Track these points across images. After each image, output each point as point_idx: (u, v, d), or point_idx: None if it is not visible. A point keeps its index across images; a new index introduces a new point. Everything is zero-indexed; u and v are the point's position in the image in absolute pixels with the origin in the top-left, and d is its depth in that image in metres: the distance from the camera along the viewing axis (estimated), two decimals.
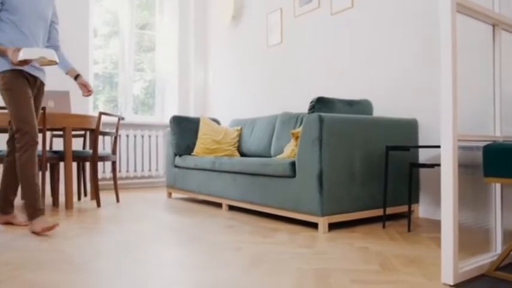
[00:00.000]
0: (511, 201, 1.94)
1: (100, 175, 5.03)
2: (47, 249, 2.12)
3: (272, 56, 4.56)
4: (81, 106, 4.90)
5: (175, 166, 4.14)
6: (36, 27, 2.65)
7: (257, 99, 4.78)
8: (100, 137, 5.02)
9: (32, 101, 2.60)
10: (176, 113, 5.65)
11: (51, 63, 2.56)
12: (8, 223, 2.78)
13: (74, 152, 3.62)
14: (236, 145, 4.25)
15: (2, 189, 2.77)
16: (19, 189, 4.05)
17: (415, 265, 1.82)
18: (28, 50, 2.39)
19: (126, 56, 5.43)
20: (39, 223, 2.46)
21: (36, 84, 2.74)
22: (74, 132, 4.44)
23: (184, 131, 4.15)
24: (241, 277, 1.67)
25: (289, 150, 3.23)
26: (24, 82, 2.58)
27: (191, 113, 5.71)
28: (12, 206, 2.81)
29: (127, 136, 5.19)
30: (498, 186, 1.87)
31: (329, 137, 2.53)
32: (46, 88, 4.69)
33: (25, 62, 2.44)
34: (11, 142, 2.76)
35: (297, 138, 3.14)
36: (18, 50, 2.42)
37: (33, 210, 2.50)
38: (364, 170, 2.71)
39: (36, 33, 2.66)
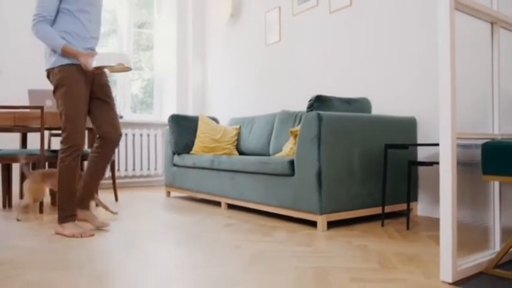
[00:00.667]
0: (510, 199, 1.94)
1: None
2: (44, 249, 2.12)
3: (271, 55, 4.55)
4: None
5: (174, 165, 4.14)
6: (91, 17, 2.50)
7: (256, 98, 4.78)
8: None
9: (86, 100, 2.46)
10: (175, 111, 5.64)
11: (124, 69, 2.42)
12: (85, 221, 2.60)
13: None
14: (235, 144, 4.24)
15: (85, 184, 2.57)
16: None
17: (414, 263, 1.82)
18: (104, 56, 2.26)
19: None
20: (70, 228, 2.40)
21: (93, 76, 2.53)
22: None
23: (183, 129, 4.15)
24: (240, 275, 1.66)
25: (288, 149, 3.23)
26: (81, 78, 2.42)
27: (190, 112, 5.71)
28: (90, 202, 2.64)
29: (125, 135, 5.18)
30: (496, 184, 1.87)
31: (328, 135, 2.53)
32: (44, 87, 4.69)
33: (98, 68, 2.34)
34: (97, 138, 2.59)
35: (295, 136, 3.14)
36: (92, 55, 2.32)
37: (66, 215, 2.42)
38: (363, 168, 2.71)
39: (92, 23, 2.51)
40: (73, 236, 2.38)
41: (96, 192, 2.57)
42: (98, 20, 2.56)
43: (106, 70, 2.45)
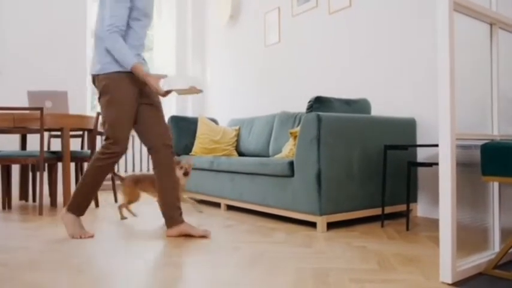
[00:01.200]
0: (509, 200, 1.94)
1: None
2: (45, 250, 2.12)
3: (270, 56, 4.56)
4: (79, 106, 4.89)
5: None
6: (143, 23, 2.39)
7: (255, 99, 4.78)
8: (98, 137, 5.01)
9: (132, 109, 2.35)
10: (174, 112, 5.64)
11: (195, 92, 2.32)
12: (186, 235, 2.41)
13: (72, 152, 3.61)
14: (234, 145, 4.24)
15: (164, 197, 2.41)
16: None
17: (414, 264, 1.82)
18: (177, 81, 2.13)
19: None
20: (74, 226, 2.38)
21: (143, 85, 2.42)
22: (71, 133, 4.43)
23: (183, 130, 4.15)
24: (239, 276, 1.66)
25: (287, 150, 3.23)
26: (128, 87, 2.32)
27: (189, 113, 5.71)
28: (181, 213, 2.43)
29: None
30: (496, 184, 1.87)
31: (327, 137, 2.53)
32: (43, 88, 4.69)
33: (168, 92, 2.25)
34: (148, 150, 2.49)
35: (295, 137, 3.14)
36: (161, 77, 2.24)
37: (80, 212, 2.39)
38: (363, 169, 2.72)
39: (143, 30, 2.41)
40: (80, 238, 2.38)
41: (178, 201, 2.43)
42: (148, 26, 2.45)
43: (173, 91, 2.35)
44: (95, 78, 2.36)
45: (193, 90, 2.32)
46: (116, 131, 2.32)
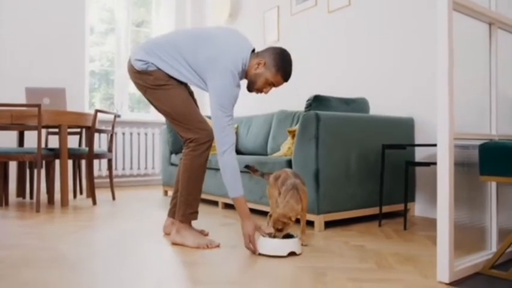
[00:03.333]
0: (507, 200, 1.94)
1: (96, 173, 5.01)
2: (42, 247, 2.11)
3: None
4: (77, 103, 4.88)
5: (172, 164, 4.13)
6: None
7: (253, 97, 4.78)
8: (96, 135, 5.00)
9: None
10: None
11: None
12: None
13: (69, 149, 3.60)
14: None
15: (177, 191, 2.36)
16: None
17: (411, 263, 1.82)
18: (276, 244, 1.93)
19: (123, 53, 5.40)
20: (193, 237, 2.13)
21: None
22: (69, 130, 4.42)
23: None
24: (237, 275, 1.66)
25: (285, 149, 3.23)
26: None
27: None
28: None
29: (123, 134, 5.17)
30: (494, 184, 1.87)
31: (325, 135, 2.53)
32: (41, 85, 4.67)
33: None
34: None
35: (293, 136, 3.14)
36: (258, 228, 2.00)
37: (192, 211, 2.16)
38: (361, 168, 2.72)
39: None
40: (198, 248, 2.10)
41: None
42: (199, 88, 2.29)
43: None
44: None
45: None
46: (190, 116, 2.20)
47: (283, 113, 3.74)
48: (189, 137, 2.16)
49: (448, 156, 1.55)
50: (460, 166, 1.70)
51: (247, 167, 2.54)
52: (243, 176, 3.10)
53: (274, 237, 1.98)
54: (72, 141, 4.87)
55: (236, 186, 2.03)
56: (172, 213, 2.43)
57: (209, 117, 4.43)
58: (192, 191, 2.15)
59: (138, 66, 2.20)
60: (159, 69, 2.17)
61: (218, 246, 2.13)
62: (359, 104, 2.97)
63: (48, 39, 4.74)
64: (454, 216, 1.59)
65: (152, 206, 3.53)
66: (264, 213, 3.14)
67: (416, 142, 3.08)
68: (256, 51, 2.25)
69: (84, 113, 3.63)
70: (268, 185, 2.35)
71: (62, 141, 3.44)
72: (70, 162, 4.80)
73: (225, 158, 2.02)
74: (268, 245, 1.95)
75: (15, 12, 4.58)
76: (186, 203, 2.15)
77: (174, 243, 2.17)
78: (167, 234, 2.41)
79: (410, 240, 2.27)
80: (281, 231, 1.97)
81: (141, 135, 5.29)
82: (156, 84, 2.20)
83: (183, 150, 2.20)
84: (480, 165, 1.67)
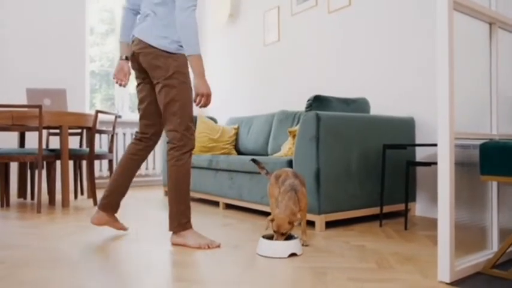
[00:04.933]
0: (507, 200, 1.94)
1: (97, 173, 5.01)
2: (42, 248, 2.11)
3: (269, 54, 4.55)
4: (78, 104, 4.89)
5: None
6: None
7: (254, 98, 4.78)
8: (97, 135, 5.01)
9: None
10: None
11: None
12: (106, 225, 2.35)
13: (70, 150, 3.60)
14: (233, 143, 4.24)
15: (117, 186, 2.29)
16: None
17: (412, 263, 1.82)
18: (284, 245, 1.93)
19: None
20: (194, 237, 2.13)
21: None
22: (70, 131, 4.42)
23: None
24: (238, 275, 1.66)
25: (286, 149, 3.23)
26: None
27: None
28: (118, 207, 2.35)
29: (124, 134, 5.17)
30: (494, 184, 1.87)
31: (326, 136, 2.53)
32: (42, 85, 4.68)
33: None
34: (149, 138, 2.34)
35: (294, 136, 3.14)
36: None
37: (187, 221, 2.14)
38: (361, 168, 2.71)
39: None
40: (199, 248, 2.10)
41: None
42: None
43: None
44: (147, 50, 2.08)
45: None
46: (192, 123, 2.16)
47: (284, 113, 3.74)
48: (179, 143, 2.14)
49: (448, 156, 1.55)
50: (461, 166, 1.70)
51: (253, 160, 2.52)
52: (244, 176, 3.10)
53: (276, 239, 1.98)
54: (73, 142, 4.87)
55: (198, 44, 2.01)
56: (104, 207, 2.30)
57: (210, 118, 4.43)
58: (183, 200, 2.13)
59: (164, 45, 2.06)
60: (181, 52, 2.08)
61: (219, 246, 2.12)
62: (359, 104, 2.97)
63: (48, 40, 4.74)
64: (454, 216, 1.59)
65: (153, 207, 3.53)
66: (264, 214, 3.14)
67: (417, 142, 3.08)
68: None
69: (85, 114, 3.64)
70: (269, 183, 2.35)
71: (63, 142, 3.45)
72: (71, 163, 4.80)
73: (190, 14, 1.99)
74: (269, 247, 1.95)
75: (16, 13, 4.58)
76: (179, 212, 2.12)
77: (175, 244, 2.17)
78: (95, 224, 2.32)
79: (411, 240, 2.27)
80: (284, 235, 1.98)
81: None
82: (176, 71, 2.09)
83: (169, 152, 2.18)
84: (481, 165, 1.67)
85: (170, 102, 2.10)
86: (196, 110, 5.69)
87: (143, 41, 2.08)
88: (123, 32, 2.30)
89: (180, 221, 2.13)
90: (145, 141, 2.31)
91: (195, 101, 2.07)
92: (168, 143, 2.18)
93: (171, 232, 2.40)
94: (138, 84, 2.28)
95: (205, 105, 2.09)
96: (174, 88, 2.09)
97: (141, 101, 2.28)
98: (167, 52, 2.07)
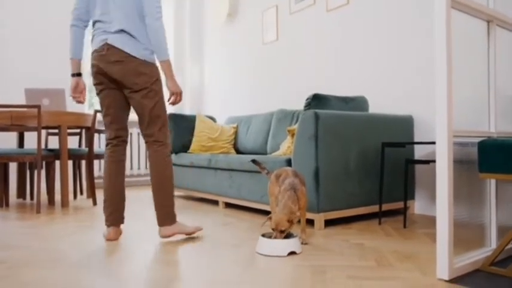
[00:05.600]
0: (506, 197, 1.95)
1: (96, 173, 5.01)
2: (42, 248, 2.12)
3: (268, 53, 4.55)
4: (76, 104, 4.88)
5: (172, 164, 4.13)
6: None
7: (253, 97, 4.78)
8: (96, 135, 5.01)
9: None
10: (172, 110, 5.64)
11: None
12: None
13: (69, 150, 3.60)
14: (232, 142, 4.24)
15: (119, 194, 2.32)
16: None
17: (411, 261, 1.83)
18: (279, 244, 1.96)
19: None
20: (180, 227, 2.26)
21: None
22: (69, 131, 4.42)
23: (180, 128, 4.15)
24: (238, 274, 1.67)
25: (285, 147, 3.23)
26: None
27: (187, 111, 5.70)
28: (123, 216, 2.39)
29: None
30: (493, 181, 1.88)
31: (325, 134, 2.53)
32: (40, 85, 4.67)
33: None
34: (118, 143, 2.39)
35: (293, 135, 3.14)
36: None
37: (174, 213, 2.26)
38: (360, 166, 2.72)
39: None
40: (196, 231, 2.29)
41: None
42: None
43: None
44: (129, 59, 2.16)
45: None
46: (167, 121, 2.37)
47: (283, 112, 3.74)
48: (166, 140, 2.30)
49: (447, 154, 1.55)
50: (459, 163, 1.70)
51: (254, 161, 2.52)
52: (243, 175, 3.10)
53: (275, 237, 1.99)
54: (72, 142, 4.87)
55: (168, 49, 2.21)
56: (115, 220, 2.30)
57: (209, 117, 4.43)
58: (172, 194, 2.27)
59: (146, 55, 2.22)
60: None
61: (201, 229, 2.33)
62: (358, 103, 2.97)
63: (48, 40, 4.74)
64: (453, 214, 1.59)
65: (152, 206, 3.53)
66: (264, 212, 3.15)
67: (416, 140, 3.09)
68: None
69: (84, 114, 3.64)
70: (269, 182, 2.35)
71: (62, 141, 3.45)
72: (70, 163, 4.80)
73: (162, 22, 2.18)
74: (268, 245, 1.96)
75: (15, 13, 4.58)
76: (169, 206, 2.24)
77: (170, 236, 2.25)
78: (111, 240, 2.29)
79: (410, 237, 2.28)
80: (283, 232, 1.98)
81: (141, 135, 5.29)
82: (158, 78, 2.29)
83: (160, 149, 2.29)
84: (479, 162, 1.67)
85: (155, 106, 2.25)
86: (196, 110, 5.69)
87: (124, 51, 2.16)
88: (75, 50, 2.33)
89: (169, 214, 2.24)
90: (122, 144, 2.39)
91: (169, 100, 2.28)
92: (153, 143, 2.28)
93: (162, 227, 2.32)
94: (100, 91, 2.31)
95: (178, 102, 2.30)
96: (157, 93, 2.26)
97: (108, 107, 2.31)
98: (148, 62, 2.22)
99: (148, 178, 5.37)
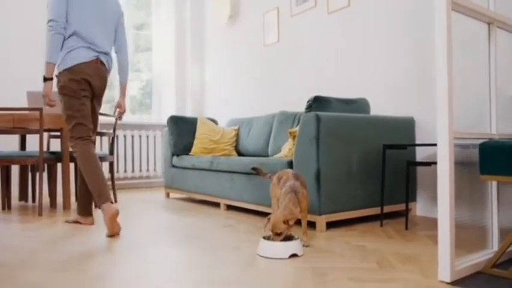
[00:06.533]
0: (507, 199, 1.94)
1: None
2: (44, 250, 2.12)
3: (269, 55, 4.56)
4: None
5: (173, 166, 4.14)
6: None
7: (254, 99, 4.78)
8: (97, 138, 5.01)
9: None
10: (173, 113, 5.64)
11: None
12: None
13: (71, 152, 3.61)
14: (234, 145, 4.25)
15: (104, 182, 2.60)
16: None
17: (412, 263, 1.83)
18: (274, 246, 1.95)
19: None
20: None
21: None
22: None
23: (182, 130, 4.15)
24: (239, 276, 1.67)
25: (286, 150, 3.23)
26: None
27: (188, 113, 5.71)
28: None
29: (124, 136, 5.18)
30: (494, 183, 1.87)
31: (326, 136, 2.53)
32: (42, 88, 4.68)
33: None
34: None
35: (294, 137, 3.14)
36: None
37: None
38: (362, 168, 2.72)
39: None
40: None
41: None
42: None
43: None
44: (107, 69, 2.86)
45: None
46: None
47: (284, 114, 3.75)
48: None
49: (448, 156, 1.55)
50: (461, 165, 1.70)
51: (254, 169, 2.53)
52: (244, 177, 3.10)
53: (273, 240, 1.98)
54: None
55: (56, 54, 2.54)
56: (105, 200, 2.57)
57: (210, 119, 4.43)
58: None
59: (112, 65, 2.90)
60: None
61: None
62: (359, 105, 2.97)
63: None
64: (454, 216, 1.59)
65: (154, 208, 3.54)
66: (265, 215, 3.15)
67: (417, 142, 3.09)
68: None
69: None
70: (271, 184, 2.35)
71: (64, 144, 3.45)
72: (72, 166, 4.81)
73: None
74: (270, 248, 1.96)
75: (17, 15, 4.59)
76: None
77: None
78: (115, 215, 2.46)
79: (412, 239, 2.27)
80: (279, 235, 1.98)
81: (143, 137, 5.30)
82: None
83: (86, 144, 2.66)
84: (480, 164, 1.67)
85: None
86: (197, 112, 5.70)
87: (108, 65, 2.84)
88: (56, 55, 2.59)
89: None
90: (93, 142, 2.75)
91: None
92: (92, 140, 2.71)
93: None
94: (83, 97, 2.68)
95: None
96: None
97: (87, 112, 2.71)
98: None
99: (138, 181, 5.38)
